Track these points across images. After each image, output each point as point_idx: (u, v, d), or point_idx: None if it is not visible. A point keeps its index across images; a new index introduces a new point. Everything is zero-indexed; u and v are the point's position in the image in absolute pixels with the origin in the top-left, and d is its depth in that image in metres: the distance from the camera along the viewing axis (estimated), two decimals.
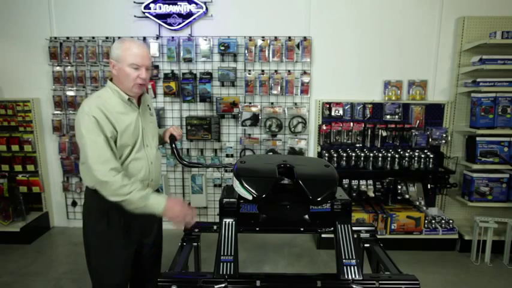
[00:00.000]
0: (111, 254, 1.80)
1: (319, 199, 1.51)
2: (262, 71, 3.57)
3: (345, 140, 3.58)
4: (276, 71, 3.57)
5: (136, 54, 1.70)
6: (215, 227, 2.03)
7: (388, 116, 3.57)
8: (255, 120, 3.60)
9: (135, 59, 1.69)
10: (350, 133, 3.56)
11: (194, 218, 1.79)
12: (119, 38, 3.57)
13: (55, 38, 3.61)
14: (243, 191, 1.53)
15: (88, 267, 1.88)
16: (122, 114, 1.73)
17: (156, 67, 3.61)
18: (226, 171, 3.74)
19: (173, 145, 2.06)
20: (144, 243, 1.92)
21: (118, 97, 1.75)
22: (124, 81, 1.72)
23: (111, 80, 1.79)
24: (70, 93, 3.66)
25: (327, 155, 3.50)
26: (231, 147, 3.71)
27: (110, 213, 1.76)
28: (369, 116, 3.58)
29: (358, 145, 3.59)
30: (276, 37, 3.51)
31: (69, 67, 3.63)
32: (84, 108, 1.65)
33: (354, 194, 3.45)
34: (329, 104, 3.57)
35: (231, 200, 1.65)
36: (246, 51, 3.52)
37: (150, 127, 1.90)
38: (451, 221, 3.44)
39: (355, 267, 1.46)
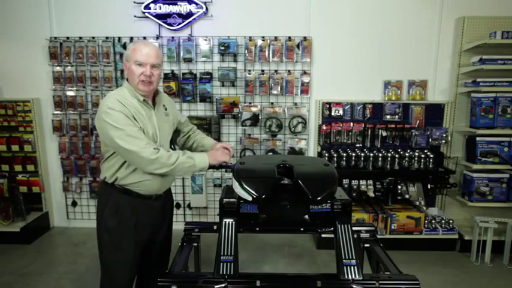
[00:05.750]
0: (120, 251, 1.82)
1: (319, 198, 1.51)
2: (262, 71, 3.57)
3: (345, 140, 3.58)
4: (276, 71, 3.57)
5: (141, 52, 1.75)
6: (215, 227, 2.04)
7: (388, 116, 3.57)
8: (255, 120, 3.60)
9: (140, 57, 1.74)
10: (350, 133, 3.56)
11: (231, 152, 2.00)
12: (119, 38, 3.58)
13: (55, 38, 3.61)
14: (243, 192, 1.54)
15: (100, 262, 1.91)
16: (140, 113, 1.77)
17: None
18: (226, 170, 3.74)
19: (172, 146, 2.06)
20: (154, 240, 1.94)
21: (134, 97, 1.79)
22: (131, 79, 1.78)
23: (127, 79, 1.84)
24: (70, 93, 3.66)
25: (327, 155, 3.50)
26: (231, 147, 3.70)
27: (122, 210, 1.79)
28: (369, 116, 3.58)
29: (358, 145, 3.59)
30: (276, 37, 3.51)
31: (69, 67, 3.63)
32: (108, 105, 1.69)
33: (354, 194, 3.45)
34: (329, 104, 3.57)
35: (231, 200, 1.65)
36: (246, 51, 3.52)
37: (165, 127, 1.93)
38: (451, 221, 3.44)
39: (355, 267, 1.46)
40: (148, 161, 1.67)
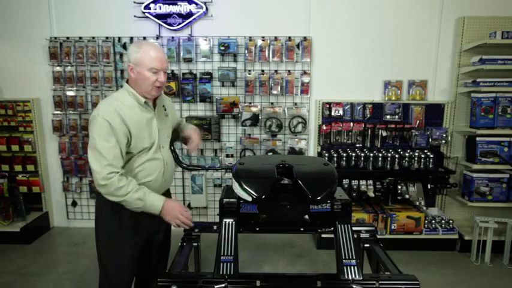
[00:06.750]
0: (119, 251, 1.81)
1: (318, 198, 1.51)
2: (262, 71, 3.57)
3: (345, 140, 3.58)
4: (276, 71, 3.57)
5: (155, 58, 1.71)
6: (215, 227, 2.04)
7: (388, 116, 3.57)
8: (255, 120, 3.60)
9: (155, 63, 1.71)
10: (350, 133, 3.56)
11: (190, 221, 1.81)
12: (119, 38, 3.58)
13: (55, 38, 3.61)
14: (243, 193, 1.54)
15: (98, 263, 1.90)
16: (138, 116, 1.75)
17: None
18: (226, 171, 3.74)
19: (172, 148, 2.06)
20: (153, 240, 1.94)
21: (134, 99, 1.77)
22: (142, 84, 1.74)
23: (127, 81, 1.81)
24: (70, 93, 3.66)
25: (327, 155, 3.50)
26: (231, 147, 3.70)
27: (121, 211, 1.78)
28: (369, 116, 3.58)
29: (358, 145, 3.58)
30: (276, 37, 3.51)
31: (69, 67, 3.63)
32: (99, 111, 1.68)
33: (354, 194, 3.45)
34: (329, 104, 3.57)
35: (231, 200, 1.65)
36: (246, 51, 3.52)
37: (165, 128, 1.92)
38: (451, 221, 3.44)
39: (355, 267, 1.46)
40: (98, 184, 1.66)
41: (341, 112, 3.57)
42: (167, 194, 2.00)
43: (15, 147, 3.66)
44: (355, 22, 3.56)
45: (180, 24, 3.54)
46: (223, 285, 1.40)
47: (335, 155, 3.47)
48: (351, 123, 3.54)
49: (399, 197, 3.45)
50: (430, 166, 3.43)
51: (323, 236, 3.38)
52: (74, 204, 3.92)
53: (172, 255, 1.84)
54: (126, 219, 1.79)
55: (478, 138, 3.33)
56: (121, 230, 1.80)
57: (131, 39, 3.57)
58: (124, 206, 1.71)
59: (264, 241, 3.58)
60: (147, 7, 3.52)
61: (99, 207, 1.85)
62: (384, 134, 3.54)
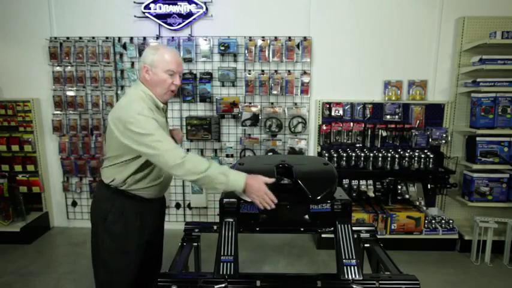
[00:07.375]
0: (126, 255, 1.79)
1: (318, 197, 1.51)
2: (262, 71, 3.57)
3: (345, 140, 3.58)
4: (276, 71, 3.57)
5: (172, 60, 1.71)
6: (215, 227, 2.04)
7: (388, 116, 3.57)
8: (255, 120, 3.59)
9: (171, 65, 1.71)
10: (350, 133, 3.56)
11: (273, 202, 1.55)
12: (119, 38, 3.58)
13: (55, 38, 3.61)
14: (243, 193, 1.54)
15: (94, 267, 1.88)
16: (159, 119, 1.74)
17: None
18: None
19: None
20: (153, 241, 1.93)
21: (152, 102, 1.74)
22: (158, 86, 1.73)
23: (140, 81, 1.79)
24: (70, 93, 3.65)
25: (327, 155, 3.50)
26: (231, 147, 3.70)
27: (127, 215, 1.77)
28: (369, 116, 3.58)
29: (358, 145, 3.58)
30: (276, 37, 3.51)
31: (69, 67, 3.63)
32: (137, 110, 1.61)
33: (354, 194, 3.45)
34: (329, 104, 3.57)
35: (231, 200, 1.65)
36: (246, 51, 3.52)
37: (167, 130, 1.92)
38: (451, 221, 3.44)
39: (355, 267, 1.46)
40: (175, 164, 1.56)
41: (341, 112, 3.57)
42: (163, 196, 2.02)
43: (15, 147, 3.66)
44: (355, 22, 3.56)
45: (180, 24, 3.54)
46: (223, 285, 1.40)
47: (335, 155, 3.47)
48: (351, 123, 3.54)
49: (399, 197, 3.45)
50: (430, 166, 3.43)
51: (323, 236, 3.38)
52: (74, 204, 3.92)
53: (171, 256, 1.84)
54: (132, 223, 1.78)
55: (478, 138, 3.33)
56: (127, 233, 1.78)
57: (131, 39, 3.57)
58: (200, 185, 1.62)
59: (264, 241, 3.58)
60: (147, 7, 3.52)
61: (101, 212, 1.81)
62: (384, 134, 3.54)
